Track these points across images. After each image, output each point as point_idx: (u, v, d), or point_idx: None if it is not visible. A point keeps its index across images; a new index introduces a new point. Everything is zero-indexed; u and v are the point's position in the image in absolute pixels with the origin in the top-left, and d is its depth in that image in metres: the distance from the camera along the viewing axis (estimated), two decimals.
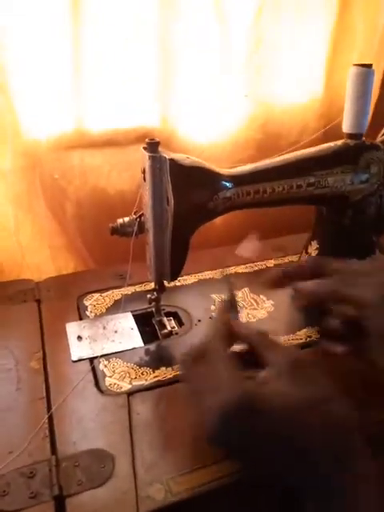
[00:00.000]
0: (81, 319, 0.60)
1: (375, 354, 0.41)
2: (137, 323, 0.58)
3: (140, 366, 0.51)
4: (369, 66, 0.54)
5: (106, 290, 0.65)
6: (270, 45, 0.74)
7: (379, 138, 0.59)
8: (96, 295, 0.64)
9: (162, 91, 0.70)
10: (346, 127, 0.56)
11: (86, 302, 0.63)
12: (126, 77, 0.67)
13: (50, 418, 0.44)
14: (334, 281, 0.42)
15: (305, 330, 0.56)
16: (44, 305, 0.62)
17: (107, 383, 0.49)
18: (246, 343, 0.41)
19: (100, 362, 0.52)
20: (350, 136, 0.56)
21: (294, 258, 0.71)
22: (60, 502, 0.37)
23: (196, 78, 0.71)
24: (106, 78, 0.66)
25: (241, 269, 0.70)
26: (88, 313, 0.61)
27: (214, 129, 0.76)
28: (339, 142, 0.56)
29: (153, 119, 0.71)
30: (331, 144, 0.55)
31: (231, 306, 0.46)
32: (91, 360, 0.52)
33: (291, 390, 0.36)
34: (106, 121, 0.69)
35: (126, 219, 0.53)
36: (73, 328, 0.58)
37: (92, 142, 0.69)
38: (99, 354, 0.53)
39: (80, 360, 0.52)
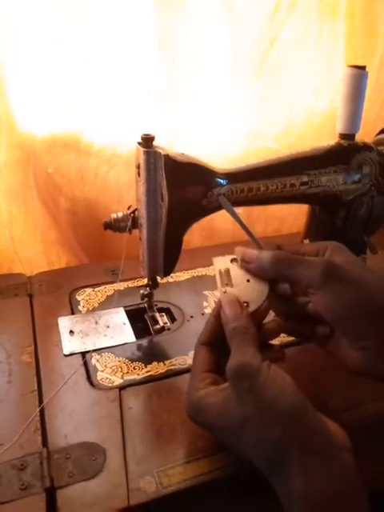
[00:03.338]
0: (73, 314, 0.60)
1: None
2: (129, 318, 0.58)
3: (132, 360, 0.52)
4: (363, 67, 0.55)
5: (99, 285, 0.65)
6: (286, 46, 0.71)
7: (373, 139, 0.60)
8: (88, 290, 0.64)
9: (164, 97, 0.69)
10: (340, 128, 0.56)
11: (79, 297, 0.63)
12: (125, 84, 0.66)
13: (42, 411, 0.45)
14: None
15: None
16: (36, 299, 0.62)
17: (99, 377, 0.49)
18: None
19: (92, 357, 0.52)
20: (344, 136, 0.56)
21: None
22: (51, 494, 0.37)
23: (202, 81, 0.69)
24: (105, 84, 0.66)
25: None
26: (80, 308, 0.61)
27: (220, 136, 0.74)
28: (332, 142, 0.56)
29: (154, 129, 0.70)
30: (324, 144, 0.56)
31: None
32: (83, 354, 0.52)
33: (223, 407, 0.36)
34: (104, 129, 0.68)
35: (120, 214, 0.53)
36: (65, 322, 0.58)
37: (87, 147, 0.69)
38: (91, 349, 0.53)
39: (72, 354, 0.52)
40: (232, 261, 0.45)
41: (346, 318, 0.39)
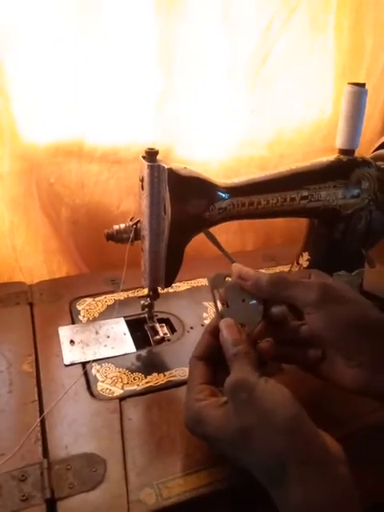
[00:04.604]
0: (73, 323, 0.60)
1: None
2: (129, 329, 0.59)
3: (132, 371, 0.52)
4: (362, 85, 0.56)
5: (99, 294, 0.66)
6: (279, 59, 0.73)
7: (371, 155, 0.61)
8: (89, 300, 0.65)
9: (162, 104, 0.70)
10: (339, 143, 0.57)
11: (79, 307, 0.63)
12: (125, 89, 0.67)
13: (42, 422, 0.45)
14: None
15: None
16: (36, 308, 0.63)
17: (99, 388, 0.49)
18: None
19: (92, 367, 0.52)
20: (343, 152, 0.57)
21: (285, 268, 0.72)
22: (52, 505, 0.37)
23: (198, 90, 0.70)
24: (106, 90, 0.66)
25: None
26: (80, 317, 0.61)
27: (215, 144, 0.75)
28: (332, 157, 0.57)
29: (152, 134, 0.71)
30: (324, 159, 0.57)
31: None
32: (83, 364, 0.52)
33: (223, 419, 0.37)
34: (105, 134, 0.69)
35: (122, 226, 0.53)
36: (65, 332, 0.58)
37: (90, 153, 0.70)
38: (91, 359, 0.53)
39: (72, 364, 0.53)
40: (226, 278, 0.45)
41: (343, 335, 0.40)
